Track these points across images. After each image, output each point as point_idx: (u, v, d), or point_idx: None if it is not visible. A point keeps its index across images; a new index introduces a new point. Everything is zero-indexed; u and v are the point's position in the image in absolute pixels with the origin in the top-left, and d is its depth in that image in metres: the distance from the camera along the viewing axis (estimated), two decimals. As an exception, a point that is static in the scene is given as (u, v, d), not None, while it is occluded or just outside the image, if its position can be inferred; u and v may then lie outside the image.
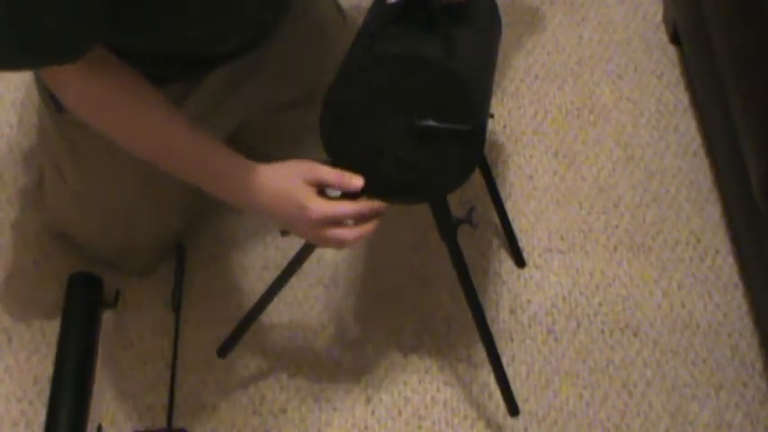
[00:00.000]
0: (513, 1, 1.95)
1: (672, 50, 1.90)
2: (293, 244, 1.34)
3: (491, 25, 1.32)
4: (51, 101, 1.39)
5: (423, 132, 1.15)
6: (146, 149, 1.23)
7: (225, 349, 1.49)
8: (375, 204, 1.20)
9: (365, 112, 1.16)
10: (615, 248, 1.65)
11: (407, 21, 1.16)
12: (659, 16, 1.94)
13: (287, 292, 1.54)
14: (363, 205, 1.19)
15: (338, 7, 1.64)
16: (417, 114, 1.14)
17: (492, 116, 1.42)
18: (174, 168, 1.24)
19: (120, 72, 1.19)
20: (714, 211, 1.70)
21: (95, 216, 1.50)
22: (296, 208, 1.18)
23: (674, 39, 1.89)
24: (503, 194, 1.66)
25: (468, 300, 1.35)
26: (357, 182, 1.18)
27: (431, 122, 1.14)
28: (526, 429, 1.47)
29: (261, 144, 1.66)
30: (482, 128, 1.16)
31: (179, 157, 1.22)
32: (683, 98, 1.84)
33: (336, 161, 1.20)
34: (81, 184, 1.48)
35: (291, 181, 1.19)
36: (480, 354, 1.46)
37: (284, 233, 1.26)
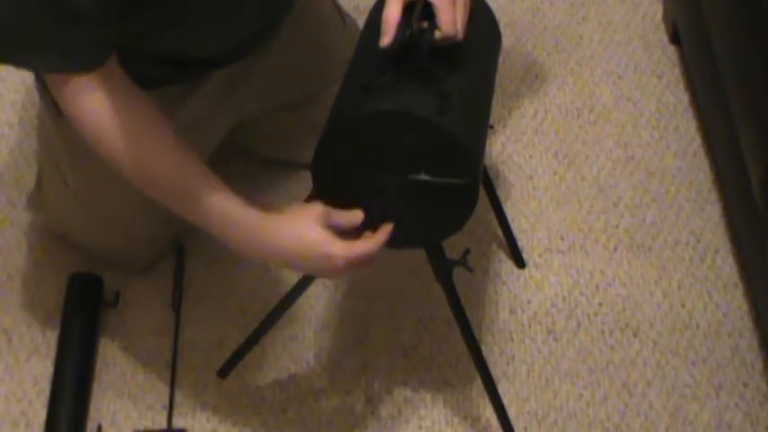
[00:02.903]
0: (513, 1, 1.95)
1: (672, 50, 1.90)
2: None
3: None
4: (52, 104, 1.39)
5: (416, 186, 1.14)
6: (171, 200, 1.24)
7: (224, 371, 1.50)
8: (387, 230, 1.20)
9: (357, 167, 1.15)
10: (615, 248, 1.65)
11: (401, 68, 1.12)
12: (659, 16, 1.94)
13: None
14: (379, 239, 1.18)
15: (337, 8, 1.64)
16: (411, 169, 1.13)
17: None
18: (185, 212, 1.23)
19: (134, 101, 1.18)
20: (714, 211, 1.69)
21: (95, 217, 1.50)
22: (321, 257, 1.17)
23: (674, 39, 1.89)
24: (502, 194, 1.66)
25: (465, 337, 1.35)
26: (358, 216, 1.18)
27: (424, 177, 1.13)
28: (526, 429, 1.47)
29: (258, 144, 1.66)
30: (476, 180, 1.15)
31: (189, 200, 1.22)
32: (683, 98, 1.84)
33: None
34: (81, 186, 1.48)
35: (310, 228, 1.17)
36: (480, 354, 1.46)
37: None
